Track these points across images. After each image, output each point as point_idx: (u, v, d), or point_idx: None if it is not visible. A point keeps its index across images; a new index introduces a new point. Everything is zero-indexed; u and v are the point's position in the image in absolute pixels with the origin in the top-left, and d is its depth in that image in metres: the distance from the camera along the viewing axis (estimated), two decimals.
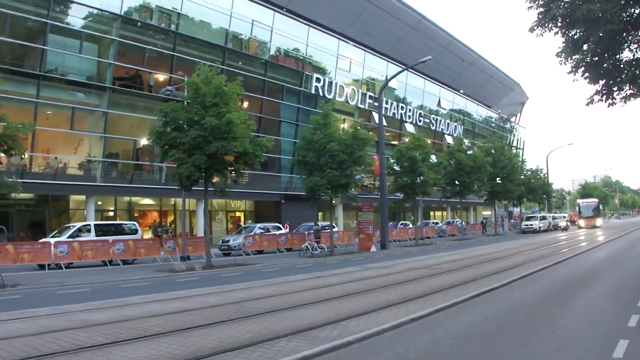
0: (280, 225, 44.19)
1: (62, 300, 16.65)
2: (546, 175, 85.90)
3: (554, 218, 77.60)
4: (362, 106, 62.28)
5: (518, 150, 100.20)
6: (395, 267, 25.32)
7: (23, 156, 30.24)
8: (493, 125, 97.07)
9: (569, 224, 75.57)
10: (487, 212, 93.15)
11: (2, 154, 22.45)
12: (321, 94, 55.84)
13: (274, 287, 18.72)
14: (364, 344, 9.95)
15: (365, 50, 62.68)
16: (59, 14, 37.95)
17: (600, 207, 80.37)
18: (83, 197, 41.04)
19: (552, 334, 10.63)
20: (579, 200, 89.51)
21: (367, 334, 10.42)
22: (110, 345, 10.06)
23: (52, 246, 28.93)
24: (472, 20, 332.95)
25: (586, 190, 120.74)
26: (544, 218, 73.36)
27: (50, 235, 32.22)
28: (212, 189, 29.84)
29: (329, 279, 21.07)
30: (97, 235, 31.83)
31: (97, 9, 39.52)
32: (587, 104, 21.39)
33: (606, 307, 13.39)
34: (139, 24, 42.15)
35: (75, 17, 38.85)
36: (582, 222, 77.74)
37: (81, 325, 12.06)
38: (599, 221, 77.38)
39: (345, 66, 60.15)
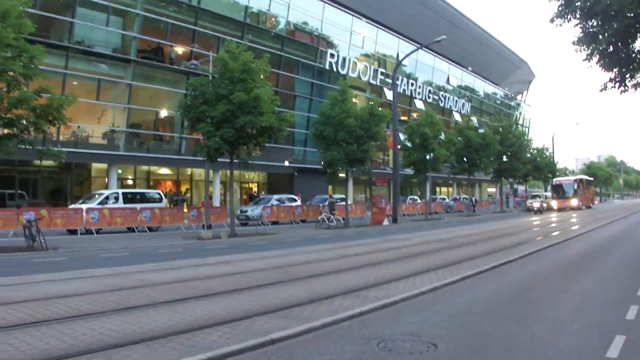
0: (295, 197, 45.42)
1: (109, 263, 17.84)
2: (552, 154, 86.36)
3: None
4: (374, 82, 63.49)
5: (524, 128, 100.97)
6: (413, 240, 26.60)
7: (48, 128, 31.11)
8: (499, 102, 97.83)
9: (545, 205, 64.93)
10: (492, 189, 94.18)
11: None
12: (335, 70, 57.02)
13: (305, 255, 20.01)
14: (408, 303, 11.24)
15: (378, 27, 63.69)
16: None
17: (575, 186, 71.44)
18: (104, 166, 42.39)
19: (572, 298, 11.95)
20: (554, 180, 78.52)
21: (409, 294, 11.72)
22: (185, 301, 11.20)
23: (84, 212, 30.30)
24: None
25: (591, 170, 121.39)
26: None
27: (80, 202, 33.54)
28: (237, 160, 31.08)
29: (354, 249, 22.35)
30: (124, 203, 33.15)
31: None
32: (601, 90, 22.61)
33: (616, 278, 14.67)
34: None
35: None
36: (554, 204, 68.98)
37: (145, 285, 13.27)
38: (573, 201, 69.52)
39: (358, 42, 61.21)
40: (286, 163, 49.99)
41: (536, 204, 61.03)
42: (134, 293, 12.16)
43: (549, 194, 77.95)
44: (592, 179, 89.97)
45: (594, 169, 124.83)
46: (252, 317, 9.69)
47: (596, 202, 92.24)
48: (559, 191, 71.72)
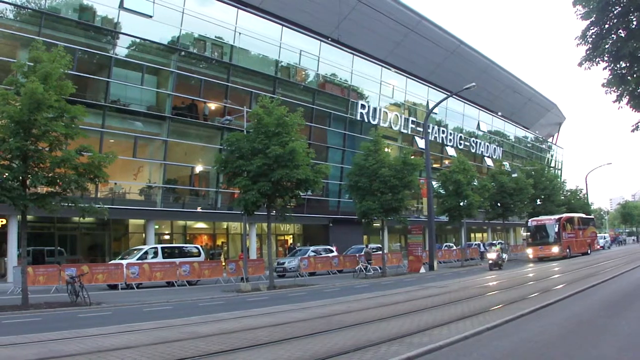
0: (332, 248, 45.69)
1: (154, 316, 18.26)
2: (586, 195, 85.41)
3: None
4: (405, 131, 63.84)
5: (557, 170, 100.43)
6: (451, 286, 26.56)
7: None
8: (530, 146, 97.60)
9: (506, 256, 48.54)
10: (527, 233, 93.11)
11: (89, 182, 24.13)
12: (366, 120, 57.63)
13: (347, 304, 20.10)
14: (453, 347, 11.36)
15: (407, 77, 64.39)
16: (121, 49, 40.21)
17: (556, 228, 51.53)
18: (141, 221, 43.12)
19: (614, 337, 12.01)
20: (530, 220, 56.85)
21: (454, 339, 11.85)
22: (233, 351, 11.47)
23: (124, 268, 30.85)
24: (509, 43, 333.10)
25: (626, 210, 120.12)
26: None
27: (119, 257, 34.15)
28: (274, 213, 31.54)
29: (394, 297, 22.43)
30: (163, 258, 33.66)
31: (156, 43, 41.83)
32: (632, 131, 22.80)
33: None
34: (194, 57, 44.63)
35: (136, 51, 41.19)
36: (530, 251, 53.18)
37: (194, 337, 13.52)
38: (555, 248, 50.79)
39: (388, 92, 61.84)
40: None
41: (491, 255, 42.67)
42: (185, 345, 12.41)
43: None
44: (591, 217, 72.75)
45: (629, 208, 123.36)
46: None
47: (598, 246, 71.71)
48: (536, 235, 53.38)
